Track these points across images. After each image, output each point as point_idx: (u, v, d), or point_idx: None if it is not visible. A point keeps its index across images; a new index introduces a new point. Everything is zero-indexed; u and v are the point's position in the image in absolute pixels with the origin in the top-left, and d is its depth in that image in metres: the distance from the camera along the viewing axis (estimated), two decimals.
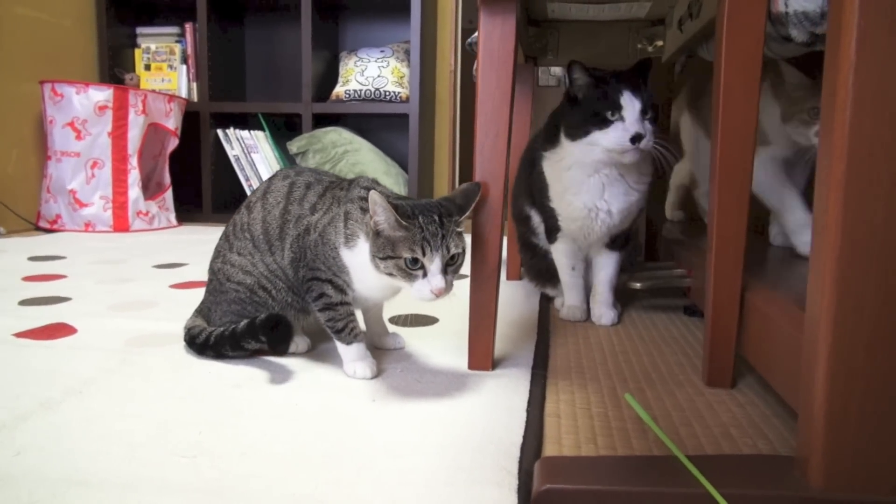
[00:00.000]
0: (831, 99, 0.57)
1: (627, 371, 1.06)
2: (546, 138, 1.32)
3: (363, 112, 3.10)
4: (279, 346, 1.02)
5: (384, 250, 0.91)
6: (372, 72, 3.12)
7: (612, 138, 1.17)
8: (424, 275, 0.90)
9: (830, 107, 0.57)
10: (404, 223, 0.89)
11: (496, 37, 0.98)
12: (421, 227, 0.89)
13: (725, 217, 0.95)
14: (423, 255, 0.89)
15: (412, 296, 0.92)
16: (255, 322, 1.02)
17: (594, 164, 1.23)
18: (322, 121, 3.14)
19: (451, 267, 0.92)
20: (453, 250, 0.92)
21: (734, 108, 0.94)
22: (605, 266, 1.38)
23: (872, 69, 0.54)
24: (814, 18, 0.89)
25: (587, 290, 1.42)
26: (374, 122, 3.35)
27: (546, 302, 1.53)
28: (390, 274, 0.92)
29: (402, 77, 3.13)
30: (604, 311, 1.36)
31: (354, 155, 3.00)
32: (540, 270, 1.51)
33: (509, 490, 0.66)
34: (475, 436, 0.79)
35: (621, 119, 1.16)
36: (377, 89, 3.07)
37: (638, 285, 1.35)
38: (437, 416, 0.85)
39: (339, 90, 3.13)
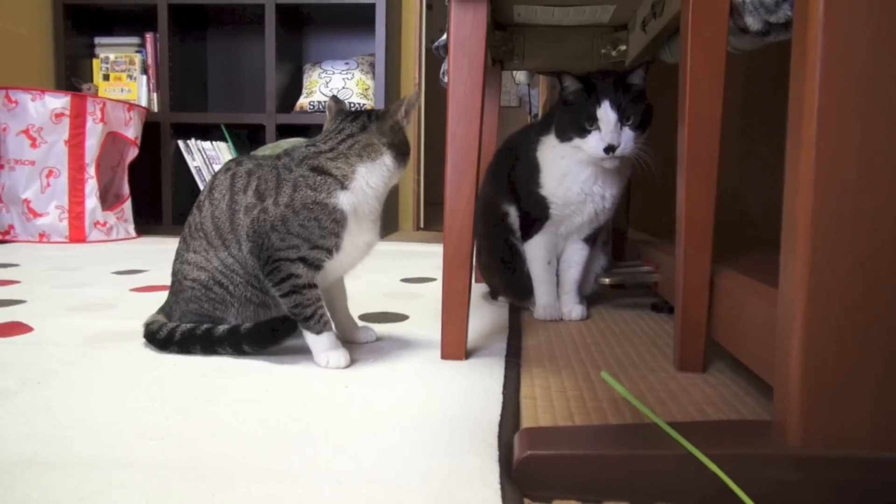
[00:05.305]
0: (801, 60, 0.58)
1: (600, 359, 1.07)
2: (544, 126, 1.34)
3: None
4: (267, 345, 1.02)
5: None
6: (336, 83, 3.12)
7: (590, 146, 1.23)
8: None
9: (801, 68, 0.59)
10: None
11: (468, 24, 0.99)
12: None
13: (693, 204, 0.97)
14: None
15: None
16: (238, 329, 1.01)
17: (585, 161, 1.27)
18: (286, 132, 3.11)
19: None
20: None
21: (700, 99, 0.96)
22: (575, 263, 1.39)
23: (840, 26, 0.56)
24: (769, 6, 0.92)
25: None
26: None
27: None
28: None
29: (366, 89, 3.13)
30: (573, 307, 1.37)
31: None
32: (522, 287, 1.43)
33: (490, 459, 0.65)
34: (452, 415, 0.78)
35: (598, 129, 1.21)
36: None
37: (608, 281, 1.36)
38: (413, 399, 0.84)
39: (303, 101, 3.11)
